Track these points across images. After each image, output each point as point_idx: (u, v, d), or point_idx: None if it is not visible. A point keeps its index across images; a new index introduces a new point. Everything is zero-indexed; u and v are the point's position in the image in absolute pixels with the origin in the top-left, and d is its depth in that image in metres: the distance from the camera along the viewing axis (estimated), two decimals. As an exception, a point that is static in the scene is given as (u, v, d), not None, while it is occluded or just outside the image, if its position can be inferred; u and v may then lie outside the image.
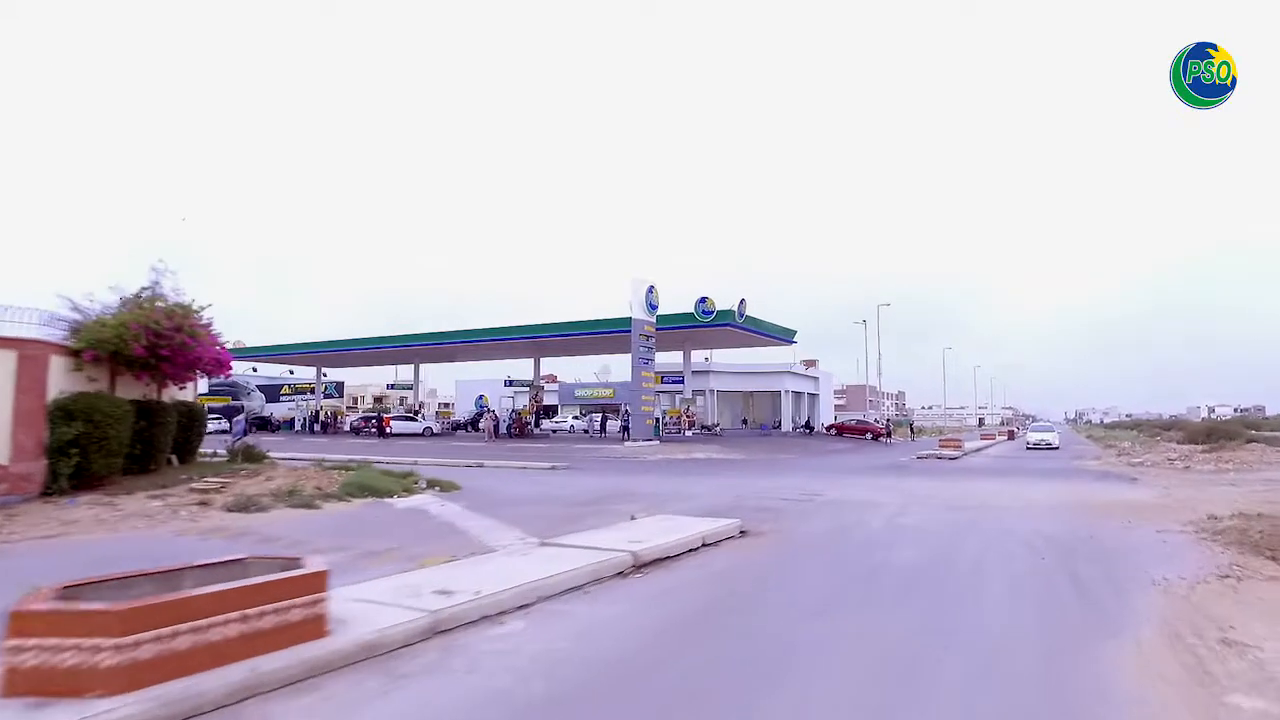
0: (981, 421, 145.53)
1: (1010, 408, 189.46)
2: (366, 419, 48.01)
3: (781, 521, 11.29)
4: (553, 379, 69.92)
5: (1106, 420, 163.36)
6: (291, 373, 60.86)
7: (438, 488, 16.21)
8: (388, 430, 45.51)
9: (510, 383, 47.04)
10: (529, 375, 50.46)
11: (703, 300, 35.33)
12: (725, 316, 35.40)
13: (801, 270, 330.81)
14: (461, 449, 34.32)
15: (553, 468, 23.44)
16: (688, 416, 41.16)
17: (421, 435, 46.45)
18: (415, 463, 23.15)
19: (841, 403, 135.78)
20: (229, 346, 50.07)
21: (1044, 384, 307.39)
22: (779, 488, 16.71)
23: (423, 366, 54.76)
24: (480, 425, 44.24)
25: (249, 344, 55.28)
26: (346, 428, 49.97)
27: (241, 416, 53.93)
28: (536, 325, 41.06)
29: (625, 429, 37.52)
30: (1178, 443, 46.52)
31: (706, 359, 52.84)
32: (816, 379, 59.94)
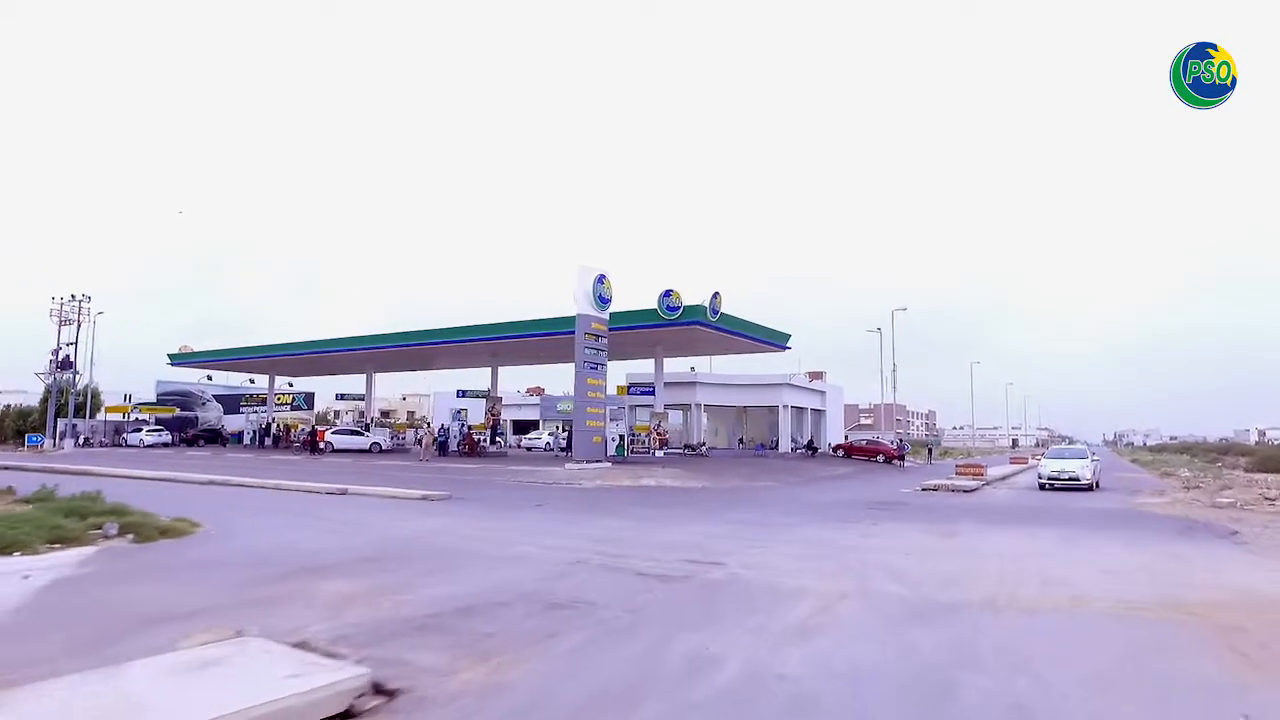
0: (1015, 443, 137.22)
1: (1045, 428, 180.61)
2: (310, 434, 42.57)
3: (539, 654, 5.24)
4: (539, 391, 64.16)
5: (1149, 442, 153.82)
6: (252, 381, 55.77)
7: (132, 535, 10.35)
8: (322, 446, 39.96)
9: (463, 393, 41.36)
10: (540, 383, 44.71)
11: (667, 294, 29.32)
12: (694, 314, 29.33)
13: (823, 287, 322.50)
14: (374, 469, 28.59)
15: (424, 498, 17.84)
16: (659, 434, 35.08)
17: (368, 451, 40.95)
18: (277, 486, 20.03)
19: (869, 422, 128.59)
20: (173, 352, 44.60)
21: (1081, 405, 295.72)
22: (677, 544, 10.71)
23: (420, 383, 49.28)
24: (402, 443, 38.63)
25: (197, 349, 50.28)
26: (298, 443, 44.54)
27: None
28: (476, 326, 35.30)
29: (568, 448, 31.55)
30: (1245, 470, 39.62)
31: (692, 368, 46.69)
32: (823, 393, 53.33)
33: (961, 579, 8.24)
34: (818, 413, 52.66)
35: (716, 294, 29.81)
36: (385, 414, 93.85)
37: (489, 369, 43.48)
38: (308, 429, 44.54)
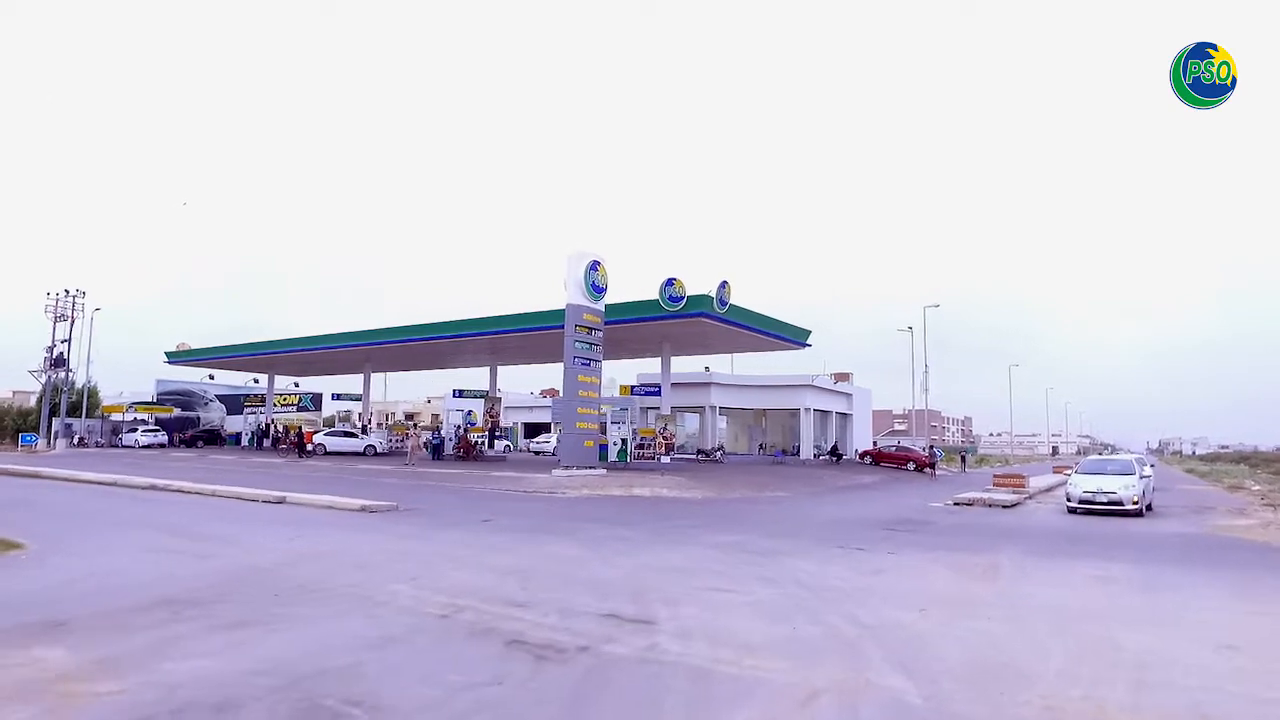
0: (1055, 450, 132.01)
1: (1087, 436, 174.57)
2: (298, 437, 40.18)
3: None
4: (554, 393, 61.60)
5: (1198, 451, 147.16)
6: (256, 381, 53.83)
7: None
8: (311, 448, 37.64)
9: (460, 393, 38.86)
10: (555, 385, 42.18)
11: (669, 283, 26.45)
12: (700, 304, 26.42)
13: (851, 289, 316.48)
14: (348, 474, 26.13)
15: (363, 509, 15.31)
16: (664, 437, 32.20)
17: (361, 454, 38.64)
18: (214, 492, 18.03)
19: (903, 427, 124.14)
20: (171, 350, 42.73)
21: (1123, 412, 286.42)
22: (611, 586, 8.01)
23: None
24: (393, 445, 36.16)
25: (194, 345, 48.42)
26: (312, 445, 42.14)
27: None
28: (470, 320, 32.69)
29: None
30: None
31: (707, 368, 43.71)
32: (849, 395, 49.92)
33: (1005, 668, 5.31)
34: (843, 417, 49.33)
35: (724, 283, 26.90)
36: (409, 416, 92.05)
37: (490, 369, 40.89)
38: (296, 431, 42.07)
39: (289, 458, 35.24)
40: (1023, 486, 22.94)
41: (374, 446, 40.02)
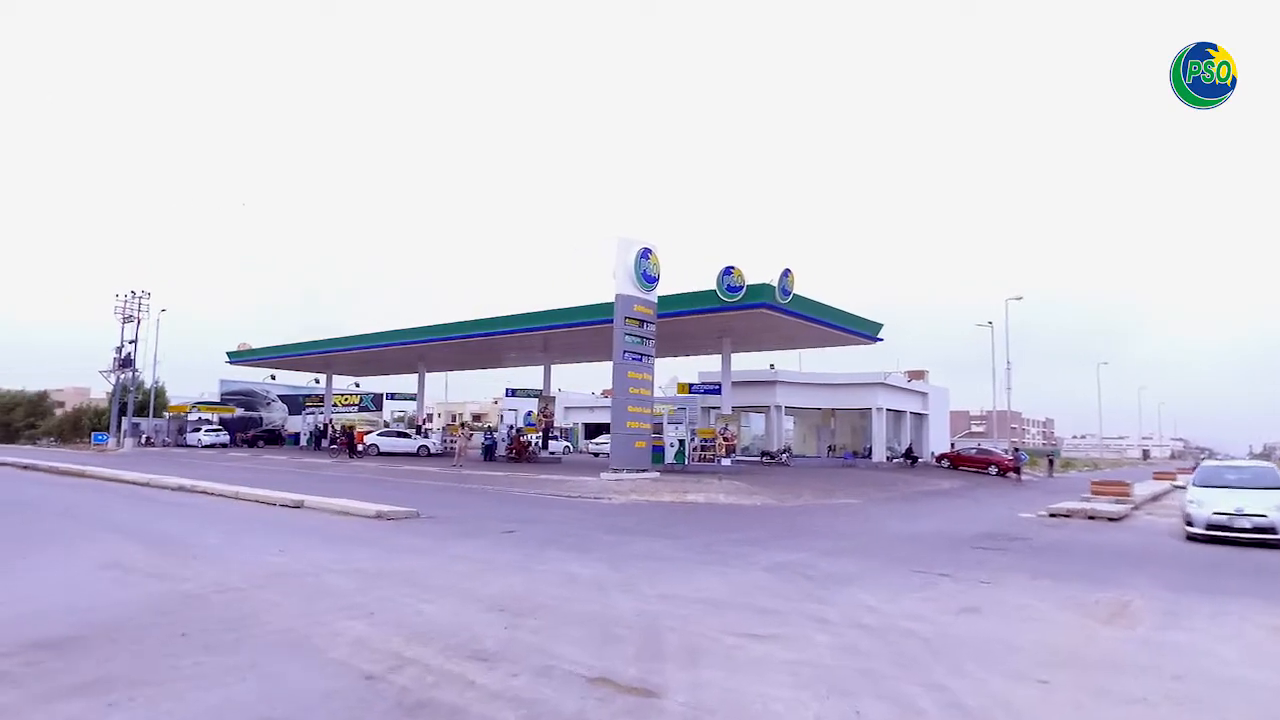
0: (1146, 454, 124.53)
1: (1180, 439, 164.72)
2: (348, 437, 39.50)
3: None
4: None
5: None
6: (317, 381, 53.80)
7: None
8: (362, 448, 36.91)
9: (512, 392, 37.58)
10: (604, 383, 40.78)
11: (728, 271, 24.48)
12: (761, 295, 24.38)
13: (924, 290, 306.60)
14: (390, 476, 25.04)
15: (378, 515, 13.81)
16: (725, 438, 30.19)
17: (414, 455, 37.80)
18: (236, 495, 16.95)
19: (980, 429, 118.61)
20: (233, 350, 42.90)
21: (1219, 414, 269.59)
22: (622, 626, 6.28)
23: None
24: (447, 445, 35.07)
25: (255, 346, 48.50)
26: (361, 446, 41.60)
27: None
28: (519, 316, 31.29)
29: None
30: None
31: (772, 365, 41.43)
32: (924, 394, 46.86)
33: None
34: (918, 417, 46.35)
35: (787, 271, 24.81)
36: (476, 417, 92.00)
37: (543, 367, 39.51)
38: (346, 431, 41.39)
39: (339, 458, 34.53)
40: (1127, 495, 20.26)
41: (427, 447, 39.13)
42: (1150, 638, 6.24)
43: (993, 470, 37.70)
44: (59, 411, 68.54)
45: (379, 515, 13.86)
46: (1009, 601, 7.53)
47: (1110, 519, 16.57)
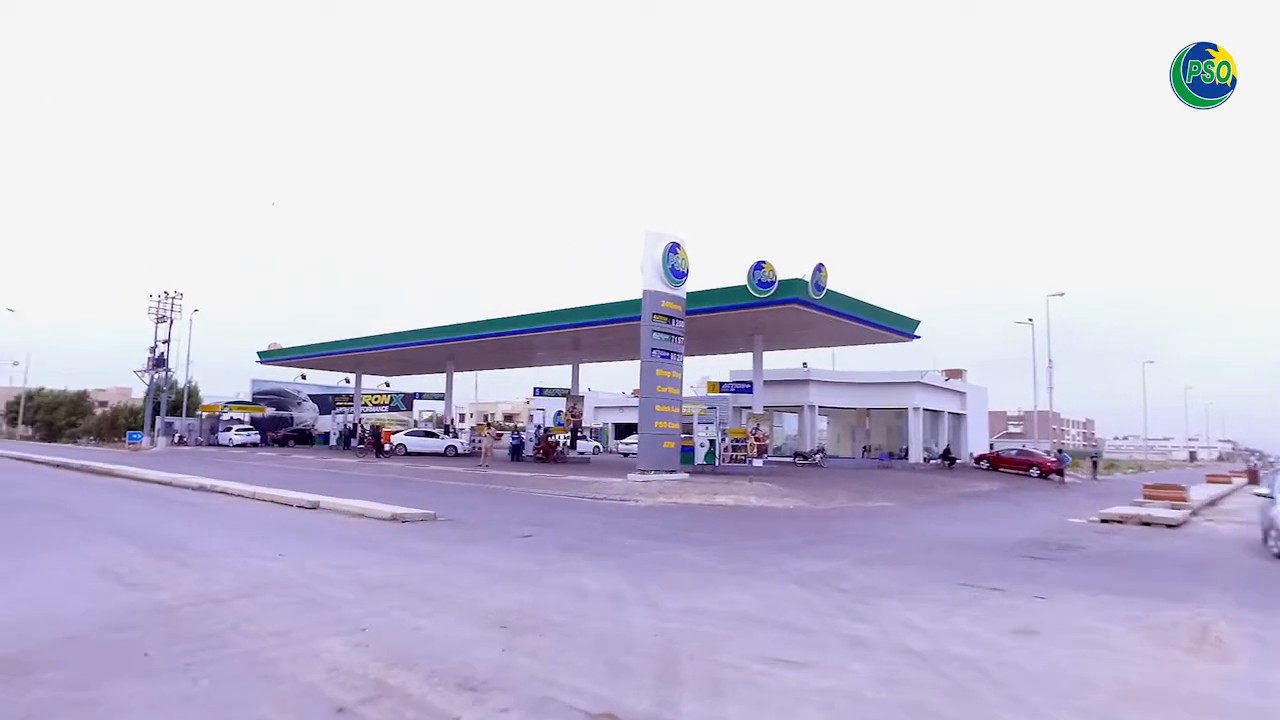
0: (1192, 456, 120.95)
1: (1228, 440, 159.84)
2: (375, 436, 39.28)
3: None
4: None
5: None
6: (347, 381, 53.87)
7: None
8: (389, 448, 36.69)
9: (540, 391, 37.03)
10: (631, 382, 40.08)
11: (759, 266, 23.69)
12: (793, 290, 23.55)
13: (959, 289, 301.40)
14: (414, 476, 24.69)
15: (393, 517, 13.35)
16: (756, 439, 29.37)
17: (442, 455, 37.53)
18: (254, 495, 16.52)
19: (1018, 430, 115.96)
20: (263, 349, 43.01)
21: (1269, 416, 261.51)
22: (633, 650, 5.64)
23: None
24: (475, 445, 34.63)
25: (286, 345, 48.59)
26: (388, 446, 41.38)
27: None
28: (548, 313, 30.71)
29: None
30: None
31: (805, 364, 40.47)
32: (962, 394, 45.51)
33: None
34: (956, 417, 45.06)
35: (820, 266, 23.95)
36: (509, 418, 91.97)
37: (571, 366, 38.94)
38: (373, 431, 41.16)
39: (365, 458, 34.30)
40: (1184, 500, 19.15)
41: (454, 447, 38.85)
42: (1252, 675, 5.42)
43: (1034, 472, 36.45)
44: (98, 411, 69.58)
45: (394, 518, 13.36)
46: (1071, 621, 6.73)
47: (1168, 525, 15.55)
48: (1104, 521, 16.13)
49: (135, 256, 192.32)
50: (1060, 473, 34.26)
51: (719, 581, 8.30)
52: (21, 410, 70.84)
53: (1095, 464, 44.46)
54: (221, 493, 17.83)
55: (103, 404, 75.07)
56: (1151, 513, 16.38)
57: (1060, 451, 39.22)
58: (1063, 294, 43.89)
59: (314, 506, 15.00)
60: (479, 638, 5.69)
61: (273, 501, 16.06)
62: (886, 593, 7.81)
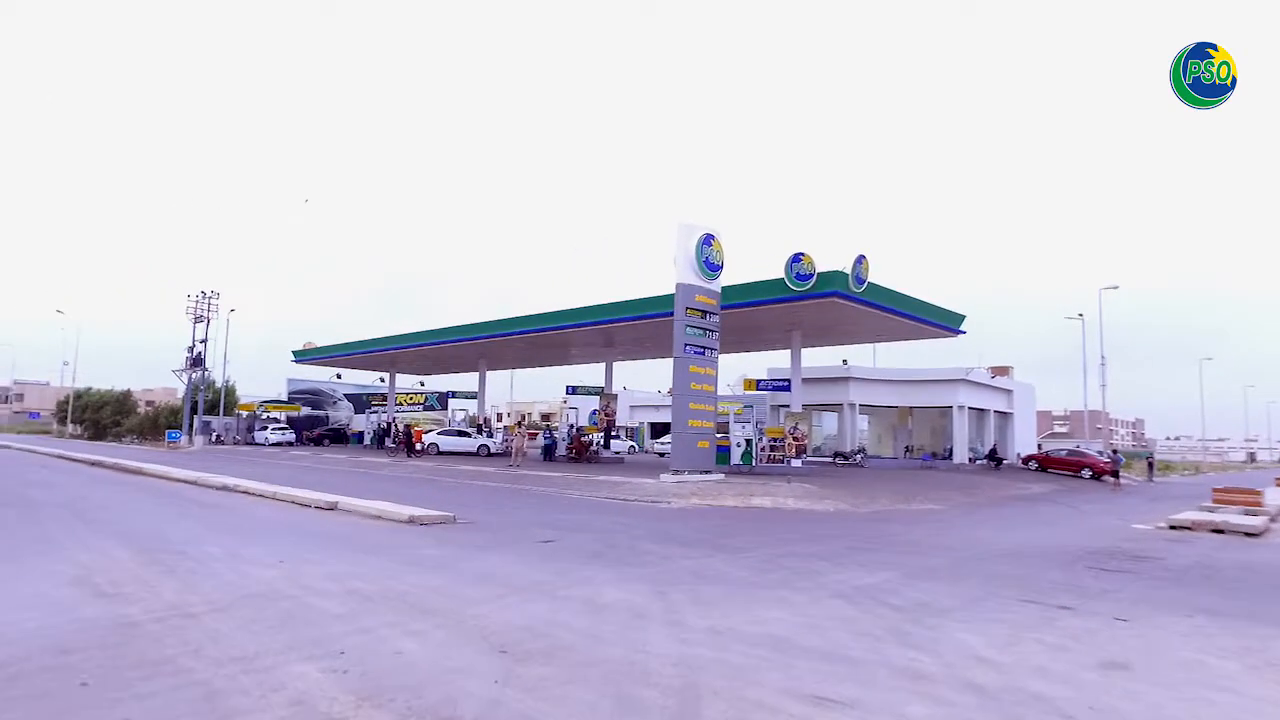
0: (1252, 457, 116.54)
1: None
2: (406, 435, 38.87)
3: None
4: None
5: None
6: (382, 380, 53.87)
7: None
8: (420, 447, 36.33)
9: (573, 390, 36.34)
10: (664, 380, 39.38)
11: (796, 258, 22.72)
12: (833, 282, 22.53)
13: (1000, 287, 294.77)
14: (443, 476, 24.22)
15: (410, 520, 12.88)
16: (794, 438, 28.35)
17: (475, 454, 37.07)
18: (274, 495, 16.15)
19: (1064, 430, 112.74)
20: (298, 349, 43.00)
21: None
22: (650, 686, 4.70)
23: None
24: (508, 445, 33.94)
25: (320, 344, 48.63)
26: (420, 445, 41.01)
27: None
28: (581, 309, 30.01)
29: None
30: None
31: (844, 361, 39.24)
32: (1009, 392, 43.90)
33: None
34: (1002, 416, 43.42)
35: (861, 258, 22.92)
36: (545, 417, 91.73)
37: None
38: (405, 430, 40.79)
39: (396, 457, 33.95)
40: (1259, 504, 17.76)
41: (487, 447, 38.37)
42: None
43: (1086, 474, 34.91)
44: (141, 410, 70.63)
45: (411, 520, 12.71)
46: (1167, 653, 5.75)
47: (1246, 534, 14.28)
48: (1173, 528, 14.90)
49: (184, 257, 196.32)
50: (1116, 474, 32.65)
51: (753, 596, 7.45)
52: (70, 409, 72.15)
53: (1151, 465, 42.52)
54: (243, 492, 17.43)
55: (150, 403, 76.30)
56: (1227, 519, 15.09)
57: (1115, 452, 37.49)
58: (1117, 287, 42.09)
59: (332, 507, 14.44)
60: (472, 665, 4.92)
61: (291, 502, 15.56)
62: (943, 611, 6.89)
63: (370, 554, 9.31)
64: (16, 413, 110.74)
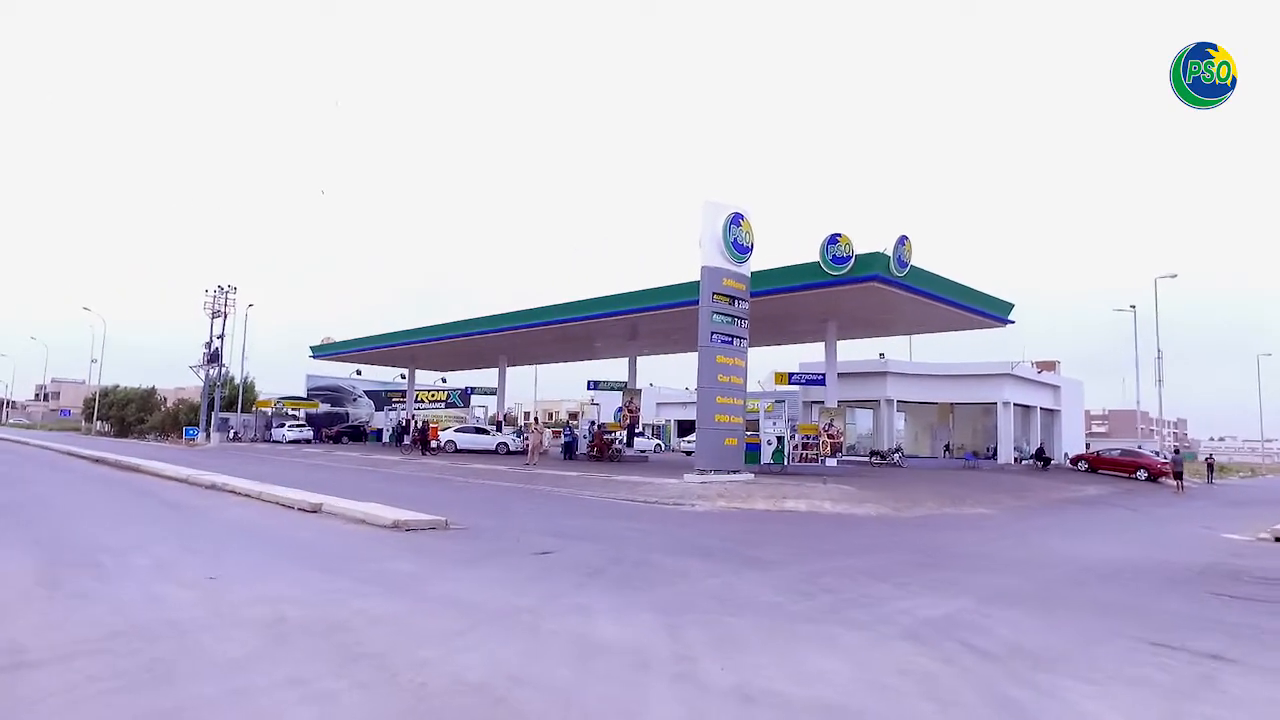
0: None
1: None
2: (421, 432, 37.47)
3: None
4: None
5: None
6: (403, 377, 52.68)
7: None
8: (436, 444, 34.92)
9: (595, 385, 34.70)
10: (692, 376, 37.46)
11: (833, 239, 20.85)
12: (872, 265, 20.63)
13: (1038, 281, 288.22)
14: (453, 475, 22.75)
15: (394, 525, 11.33)
16: (829, 435, 26.45)
17: (493, 452, 35.63)
18: (260, 495, 15.01)
19: (1103, 429, 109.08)
20: (316, 344, 41.75)
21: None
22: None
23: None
24: (526, 442, 32.36)
25: (337, 338, 47.50)
26: (436, 443, 39.57)
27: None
28: (602, 299, 28.35)
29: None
30: None
31: (881, 354, 37.17)
32: (1057, 388, 41.49)
33: None
34: (1049, 413, 41.01)
35: (904, 239, 20.98)
36: (573, 415, 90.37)
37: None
38: (419, 427, 39.37)
39: (410, 455, 32.58)
40: (1365, 510, 15.64)
41: (506, 444, 36.85)
42: None
43: (1141, 475, 32.57)
44: (164, 407, 70.29)
45: (395, 525, 11.13)
46: None
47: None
48: (1277, 540, 12.90)
49: (214, 255, 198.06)
50: (1179, 476, 30.26)
51: (793, 633, 5.71)
52: (96, 407, 72.06)
53: (1211, 467, 39.95)
54: (231, 491, 16.05)
55: (181, 400, 76.05)
56: (1338, 528, 13.04)
57: (1176, 451, 34.97)
58: (1175, 275, 39.46)
59: (315, 510, 12.92)
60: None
61: (275, 502, 14.08)
62: (1050, 663, 5.10)
63: (326, 569, 7.73)
64: (52, 410, 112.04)
